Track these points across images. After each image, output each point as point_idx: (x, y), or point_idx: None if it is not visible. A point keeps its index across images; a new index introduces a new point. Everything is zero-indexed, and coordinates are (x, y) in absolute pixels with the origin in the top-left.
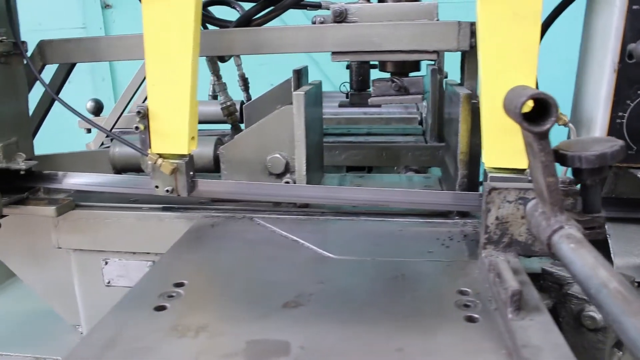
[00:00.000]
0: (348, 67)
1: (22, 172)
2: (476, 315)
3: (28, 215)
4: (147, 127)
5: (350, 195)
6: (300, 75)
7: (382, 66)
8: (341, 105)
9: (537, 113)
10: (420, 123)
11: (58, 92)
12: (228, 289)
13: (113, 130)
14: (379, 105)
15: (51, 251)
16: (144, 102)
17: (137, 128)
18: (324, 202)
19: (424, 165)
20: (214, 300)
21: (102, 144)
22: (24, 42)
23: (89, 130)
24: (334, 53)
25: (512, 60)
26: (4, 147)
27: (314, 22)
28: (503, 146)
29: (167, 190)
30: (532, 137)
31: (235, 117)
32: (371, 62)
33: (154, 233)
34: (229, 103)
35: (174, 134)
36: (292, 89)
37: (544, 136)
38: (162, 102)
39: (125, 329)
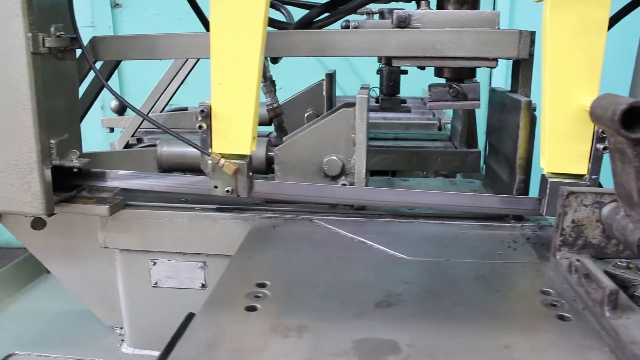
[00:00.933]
0: (379, 72)
1: (75, 170)
2: (567, 315)
3: (70, 213)
4: (209, 127)
5: (414, 199)
6: (332, 79)
7: (439, 72)
8: (371, 110)
9: (627, 120)
10: (439, 129)
11: (100, 90)
12: (312, 289)
13: (138, 130)
14: (408, 110)
15: (93, 251)
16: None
17: (200, 127)
18: (388, 205)
19: (454, 170)
20: (303, 301)
21: (127, 143)
22: (73, 38)
23: (111, 130)
24: (394, 58)
25: (578, 69)
26: (58, 143)
27: (345, 27)
28: (565, 152)
29: (228, 191)
30: (627, 144)
31: (281, 119)
32: (402, 68)
33: (207, 234)
34: (275, 105)
35: (236, 134)
36: (324, 92)
37: (639, 142)
38: (227, 102)
39: (224, 329)
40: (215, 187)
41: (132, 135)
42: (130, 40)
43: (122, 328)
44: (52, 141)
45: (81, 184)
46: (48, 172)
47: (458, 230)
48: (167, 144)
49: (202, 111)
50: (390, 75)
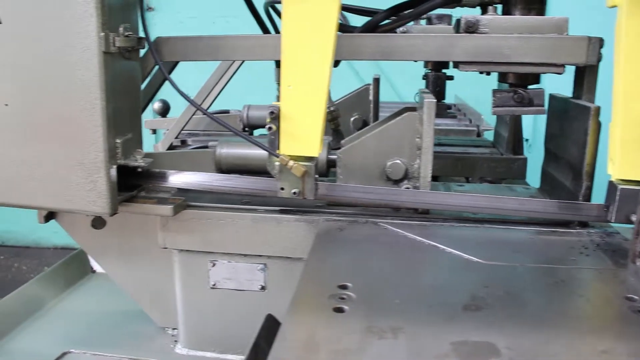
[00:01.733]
0: (424, 77)
1: (139, 170)
2: None
3: (132, 213)
4: (277, 128)
5: (484, 204)
6: (379, 83)
7: (503, 77)
8: None
9: None
10: (478, 135)
11: (156, 91)
12: (395, 291)
13: (182, 132)
14: (454, 116)
15: (149, 251)
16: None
17: (270, 128)
18: (456, 209)
19: (500, 177)
20: (389, 303)
21: (171, 145)
22: (141, 38)
23: (154, 131)
24: (461, 63)
25: None
26: (123, 143)
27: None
28: (637, 159)
29: (295, 193)
30: None
31: (338, 122)
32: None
33: (270, 236)
34: (332, 108)
35: (305, 136)
36: (371, 97)
37: None
38: (297, 104)
39: (316, 331)
40: (282, 188)
41: (176, 137)
42: (195, 41)
43: (174, 329)
44: (117, 141)
45: (141, 184)
46: (114, 172)
47: (525, 235)
48: (227, 145)
49: (271, 112)
50: (437, 80)
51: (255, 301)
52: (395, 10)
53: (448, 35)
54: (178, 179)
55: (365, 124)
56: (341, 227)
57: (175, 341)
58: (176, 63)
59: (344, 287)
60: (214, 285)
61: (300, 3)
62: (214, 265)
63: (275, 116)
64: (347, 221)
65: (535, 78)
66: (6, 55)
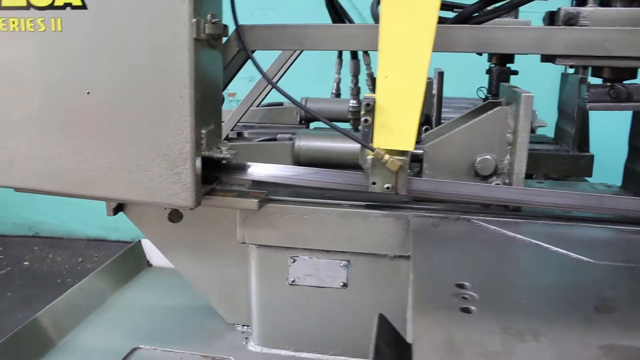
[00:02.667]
0: (488, 72)
1: (224, 162)
2: None
3: (214, 207)
4: (372, 121)
5: (586, 202)
6: (442, 77)
7: (597, 71)
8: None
9: None
10: (532, 132)
11: (229, 81)
12: (516, 291)
13: (238, 124)
14: None
15: (221, 246)
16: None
17: (366, 120)
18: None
19: (565, 174)
20: (515, 303)
21: (227, 137)
22: (226, 26)
23: None
24: (558, 56)
25: None
26: (207, 134)
27: None
28: None
29: (388, 188)
30: None
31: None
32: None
33: (356, 231)
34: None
35: (401, 129)
36: (435, 91)
37: None
38: (393, 96)
39: (453, 333)
40: (374, 183)
41: (232, 129)
42: (280, 29)
43: (244, 326)
44: (202, 131)
45: (218, 176)
46: (199, 163)
47: (623, 235)
48: (306, 137)
49: (367, 104)
50: (501, 75)
51: (335, 298)
52: (488, 1)
53: (546, 28)
54: (259, 171)
55: (427, 118)
56: (434, 223)
57: (247, 338)
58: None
59: (461, 286)
60: (293, 281)
61: None
62: (294, 261)
63: (371, 108)
64: (438, 217)
65: (633, 73)
66: (90, 41)
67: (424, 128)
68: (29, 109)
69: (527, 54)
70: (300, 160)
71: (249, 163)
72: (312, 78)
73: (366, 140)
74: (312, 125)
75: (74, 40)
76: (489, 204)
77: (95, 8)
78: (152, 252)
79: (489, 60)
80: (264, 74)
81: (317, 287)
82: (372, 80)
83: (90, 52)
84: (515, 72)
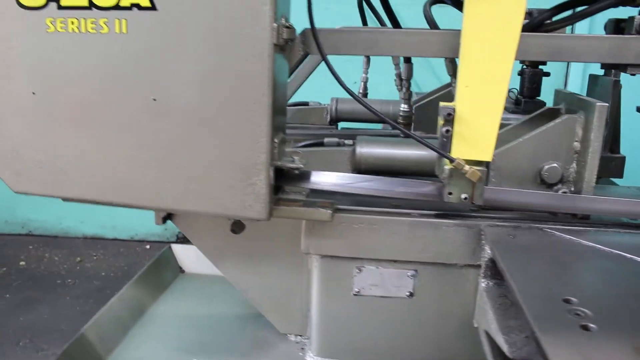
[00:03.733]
0: (520, 73)
1: (296, 171)
2: None
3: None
4: (451, 130)
5: None
6: None
7: None
8: (513, 112)
9: None
10: None
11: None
12: (626, 307)
13: None
14: None
15: (274, 255)
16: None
17: (447, 131)
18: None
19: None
20: (632, 319)
21: None
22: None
23: None
24: (630, 66)
25: None
26: (279, 142)
27: None
28: None
29: (465, 198)
30: None
31: None
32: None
33: (426, 241)
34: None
35: (480, 139)
36: None
37: None
38: (475, 105)
39: (588, 353)
40: (450, 193)
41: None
42: (349, 34)
43: (299, 335)
44: (275, 140)
45: (280, 184)
46: (272, 174)
47: None
48: (367, 144)
49: (448, 114)
50: (534, 77)
51: (401, 308)
52: (561, 8)
53: (621, 37)
54: (325, 180)
55: None
56: (510, 233)
57: (303, 348)
58: (304, 56)
59: (568, 302)
60: (358, 291)
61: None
62: (360, 271)
63: (452, 118)
64: (510, 227)
65: None
66: (157, 44)
67: None
68: (87, 115)
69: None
70: (360, 167)
71: (310, 171)
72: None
73: (445, 150)
74: (340, 125)
75: (140, 43)
76: (555, 212)
77: (165, 9)
78: (184, 258)
79: (521, 62)
80: (340, 80)
81: (383, 297)
82: (400, 81)
83: (158, 56)
84: (548, 74)
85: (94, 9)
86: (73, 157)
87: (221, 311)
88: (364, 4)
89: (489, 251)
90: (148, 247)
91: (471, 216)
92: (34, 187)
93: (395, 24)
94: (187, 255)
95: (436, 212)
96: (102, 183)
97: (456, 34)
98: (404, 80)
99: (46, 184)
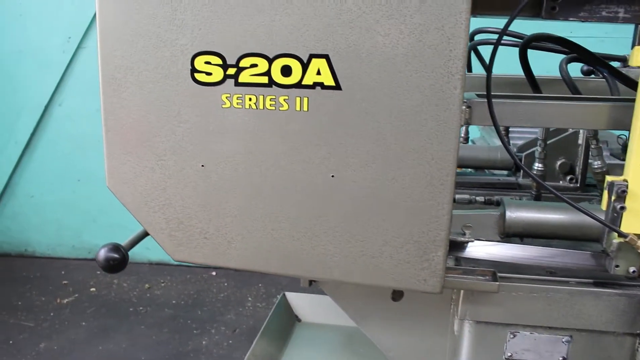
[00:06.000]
0: None
1: (465, 245)
2: None
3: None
4: (625, 207)
5: None
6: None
7: None
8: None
9: None
10: None
11: None
12: None
13: None
14: None
15: (422, 317)
16: None
17: (622, 208)
18: None
19: None
20: None
21: None
22: None
23: None
24: None
25: None
26: None
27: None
28: None
29: (633, 272)
30: None
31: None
32: None
33: (584, 309)
34: (605, 169)
35: None
36: (581, 141)
37: None
38: None
39: None
40: (617, 266)
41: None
42: (512, 106)
43: None
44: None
45: None
46: (447, 248)
47: None
48: (517, 208)
49: (622, 191)
50: None
51: None
52: None
53: None
54: (484, 250)
55: (571, 168)
56: None
57: None
58: None
59: None
60: (510, 356)
61: None
62: (514, 336)
63: (625, 195)
64: None
65: None
66: (339, 122)
67: (568, 178)
68: (258, 188)
69: None
70: (509, 232)
71: (460, 239)
72: None
73: (615, 224)
74: None
75: (321, 121)
76: None
77: (350, 89)
78: (299, 307)
79: None
80: (503, 138)
81: None
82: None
83: (338, 133)
84: None
85: (274, 86)
86: (241, 228)
87: None
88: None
89: None
90: (214, 273)
91: (631, 285)
92: (195, 257)
93: (535, 86)
94: (302, 304)
95: (595, 280)
96: (268, 254)
97: (623, 106)
98: (540, 141)
99: (209, 253)
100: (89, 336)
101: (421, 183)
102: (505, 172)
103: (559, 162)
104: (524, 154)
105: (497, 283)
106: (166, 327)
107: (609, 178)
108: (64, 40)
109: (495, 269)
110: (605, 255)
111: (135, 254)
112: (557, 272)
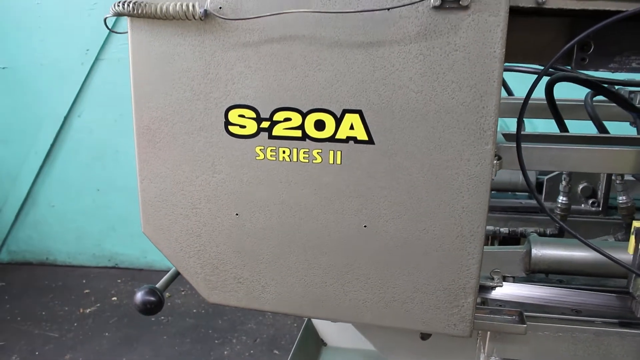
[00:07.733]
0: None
1: (492, 290)
2: None
3: (480, 330)
4: None
5: None
6: None
7: None
8: None
9: None
10: None
11: None
12: None
13: None
14: None
15: (448, 351)
16: None
17: None
18: None
19: None
20: None
21: None
22: None
23: None
24: None
25: None
26: None
27: None
28: None
29: None
30: None
31: (633, 217)
32: None
33: (610, 348)
34: (630, 203)
35: None
36: None
37: None
38: None
39: None
40: None
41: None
42: (541, 152)
43: None
44: None
45: None
46: (477, 294)
47: None
48: (543, 246)
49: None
50: None
51: None
52: None
53: None
54: (510, 291)
55: (594, 192)
56: None
57: None
58: None
59: None
60: None
61: None
62: None
63: None
64: None
65: None
66: (371, 175)
67: (590, 202)
68: (292, 237)
69: None
70: (535, 269)
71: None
72: None
73: (637, 267)
74: None
75: (353, 173)
76: None
77: (383, 144)
78: (324, 331)
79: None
80: (534, 190)
81: None
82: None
83: (371, 186)
84: None
85: (307, 140)
86: (274, 273)
87: None
88: None
89: None
90: None
91: None
92: (229, 300)
93: (562, 124)
94: (327, 329)
95: (620, 320)
96: (301, 298)
97: None
98: (565, 175)
99: (243, 297)
100: (112, 347)
101: (452, 234)
102: (526, 194)
103: (581, 186)
104: (546, 177)
105: (525, 325)
106: (188, 337)
107: (635, 224)
108: (82, 52)
109: (522, 309)
110: (632, 298)
111: (155, 261)
112: (582, 311)
